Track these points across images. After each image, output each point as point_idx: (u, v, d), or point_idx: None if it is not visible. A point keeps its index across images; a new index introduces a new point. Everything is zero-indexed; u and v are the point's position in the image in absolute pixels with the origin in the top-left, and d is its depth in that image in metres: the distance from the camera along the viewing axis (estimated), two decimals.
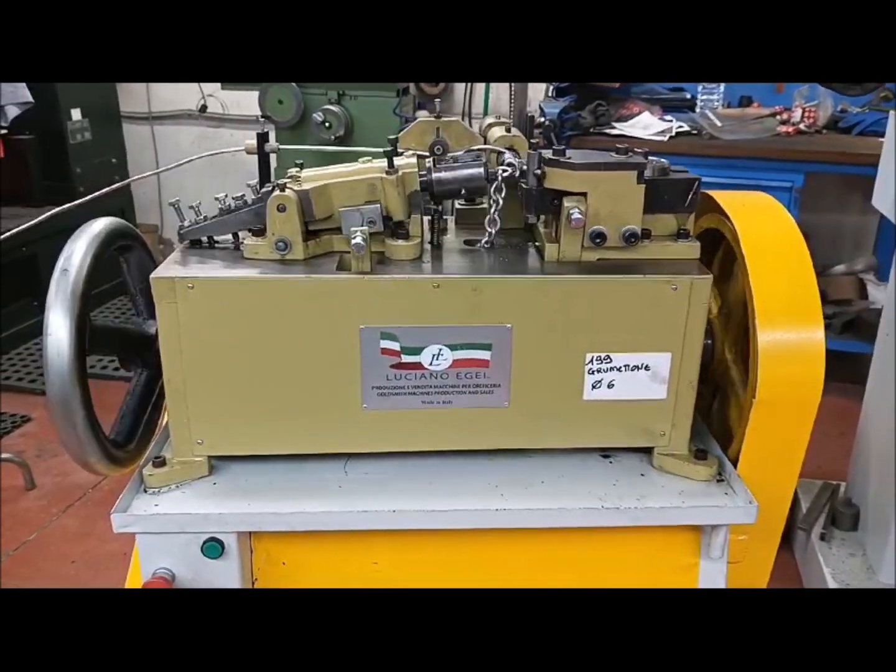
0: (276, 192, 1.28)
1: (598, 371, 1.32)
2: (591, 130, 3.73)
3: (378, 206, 1.30)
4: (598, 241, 1.31)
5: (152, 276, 1.25)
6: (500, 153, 1.42)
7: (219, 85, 4.96)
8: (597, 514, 1.31)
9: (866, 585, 2.33)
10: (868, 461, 2.48)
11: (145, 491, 1.32)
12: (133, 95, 5.26)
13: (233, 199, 1.36)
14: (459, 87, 4.81)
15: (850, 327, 3.78)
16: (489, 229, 1.40)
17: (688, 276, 1.29)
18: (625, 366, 1.33)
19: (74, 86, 4.51)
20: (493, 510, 1.30)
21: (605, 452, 1.45)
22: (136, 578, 1.32)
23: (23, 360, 4.11)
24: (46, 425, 3.50)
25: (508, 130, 1.52)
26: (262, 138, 1.44)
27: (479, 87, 4.78)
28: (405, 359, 1.30)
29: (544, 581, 1.38)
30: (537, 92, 4.33)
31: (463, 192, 1.36)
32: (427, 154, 1.45)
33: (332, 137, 3.96)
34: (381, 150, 1.36)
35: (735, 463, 1.39)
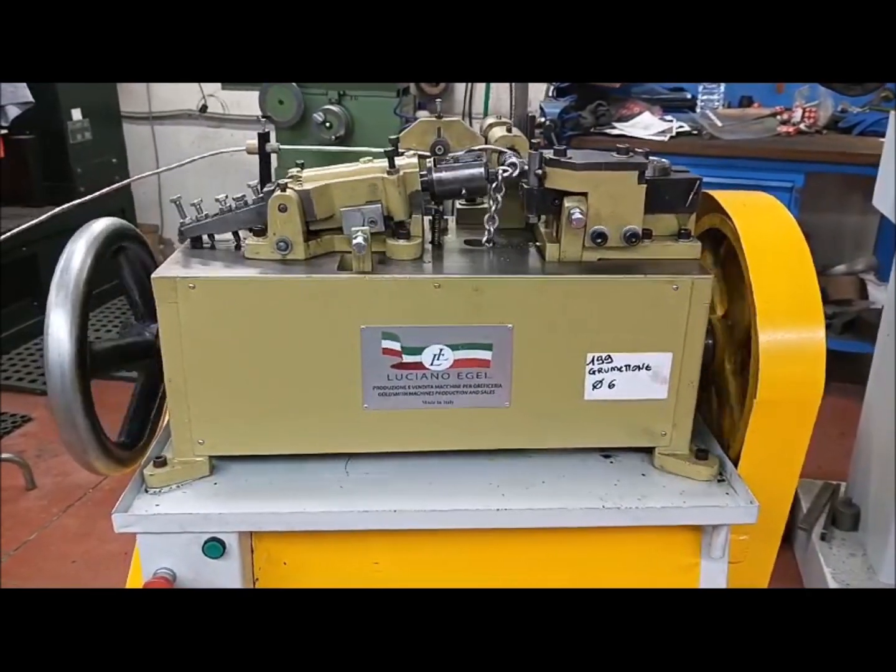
0: (278, 192, 1.28)
1: (599, 371, 1.32)
2: (592, 130, 3.73)
3: (379, 206, 1.30)
4: (598, 241, 1.31)
5: (153, 276, 1.25)
6: (501, 153, 1.42)
7: (219, 85, 4.96)
8: (598, 514, 1.31)
9: (867, 585, 2.33)
10: (868, 461, 2.48)
11: (146, 491, 1.32)
12: (133, 95, 5.26)
13: (233, 199, 1.36)
14: (460, 88, 4.81)
15: (850, 327, 3.78)
16: (488, 227, 1.40)
17: (689, 276, 1.29)
18: (626, 366, 1.33)
19: (75, 86, 4.51)
20: (493, 510, 1.30)
21: (606, 452, 1.45)
22: (136, 578, 1.32)
23: (23, 360, 4.11)
24: (47, 425, 3.50)
25: (509, 130, 1.53)
26: (263, 138, 1.44)
27: (480, 88, 4.78)
28: (406, 359, 1.30)
29: (545, 581, 1.38)
30: (538, 92, 4.33)
31: (463, 192, 1.36)
32: (428, 154, 1.45)
33: (333, 137, 3.96)
34: (382, 150, 1.36)
35: (736, 463, 1.39)
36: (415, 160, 1.36)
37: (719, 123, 3.72)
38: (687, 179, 1.34)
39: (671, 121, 3.80)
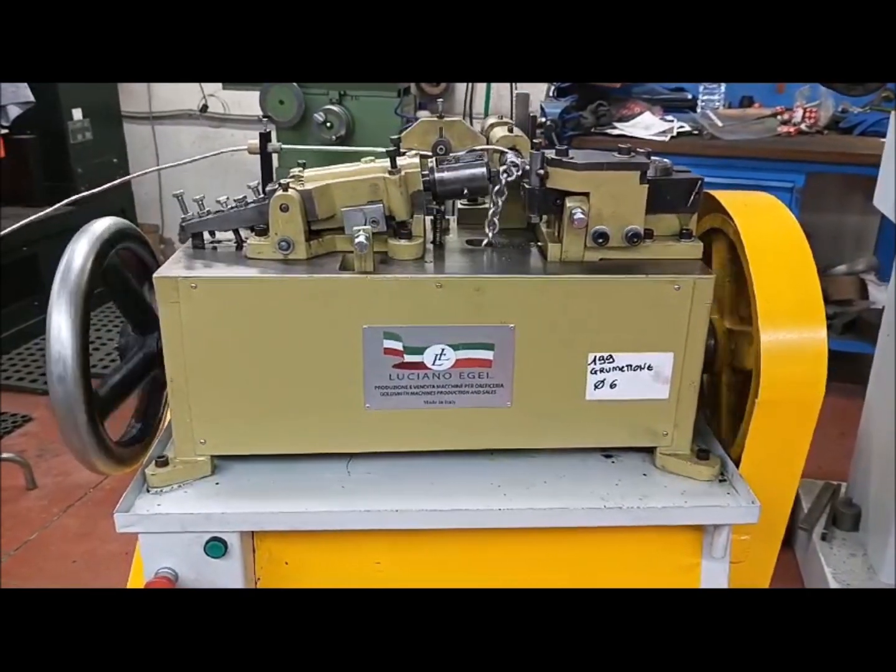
0: (280, 192, 1.28)
1: (601, 371, 1.32)
2: (593, 130, 3.73)
3: (381, 205, 1.30)
4: (600, 241, 1.31)
5: (155, 275, 1.25)
6: (502, 153, 1.42)
7: (220, 85, 4.96)
8: (599, 513, 1.31)
9: (867, 585, 2.33)
10: (869, 461, 2.48)
11: (148, 490, 1.32)
12: (134, 95, 5.26)
13: (234, 201, 1.36)
14: (460, 88, 4.81)
15: (850, 327, 3.78)
16: (489, 231, 1.40)
17: (690, 276, 1.29)
18: (627, 366, 1.33)
19: (75, 86, 4.51)
20: (495, 510, 1.30)
21: (608, 452, 1.45)
22: (138, 578, 1.32)
23: (23, 359, 4.11)
24: (47, 425, 3.50)
25: (511, 130, 1.53)
26: (265, 138, 1.44)
27: (480, 88, 4.78)
28: (408, 358, 1.30)
29: (546, 581, 1.38)
30: (538, 92, 4.33)
31: (465, 192, 1.36)
32: (430, 154, 1.45)
33: (334, 137, 3.96)
34: (383, 149, 1.36)
35: (737, 463, 1.39)
36: (416, 160, 1.36)
37: (720, 123, 3.73)
38: (688, 179, 1.34)
39: (672, 121, 3.79)
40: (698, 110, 4.00)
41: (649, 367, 1.33)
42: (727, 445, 1.47)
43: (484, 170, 1.33)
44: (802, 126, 3.80)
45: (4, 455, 3.14)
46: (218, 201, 1.37)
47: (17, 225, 1.51)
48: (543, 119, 1.65)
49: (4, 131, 4.06)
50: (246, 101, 5.00)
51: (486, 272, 1.32)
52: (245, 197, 1.37)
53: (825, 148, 3.55)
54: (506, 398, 1.34)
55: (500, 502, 1.31)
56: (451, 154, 1.45)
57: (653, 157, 1.34)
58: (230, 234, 1.40)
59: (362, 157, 1.39)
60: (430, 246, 1.41)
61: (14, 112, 4.01)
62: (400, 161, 1.33)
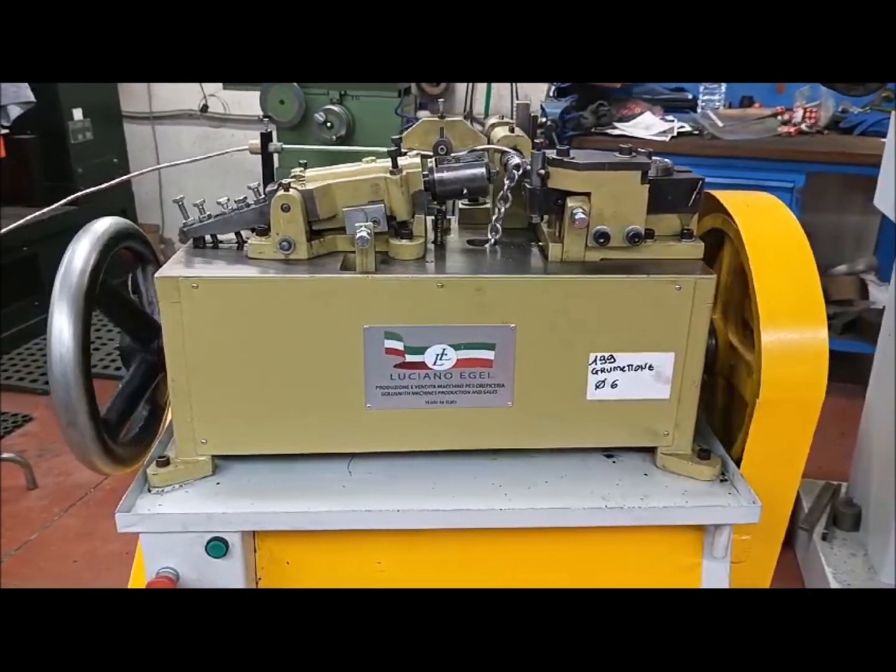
0: (281, 192, 1.28)
1: (602, 371, 1.32)
2: (593, 131, 3.74)
3: (382, 205, 1.30)
4: (601, 241, 1.31)
5: (157, 275, 1.25)
6: (503, 153, 1.42)
7: (220, 85, 4.96)
8: (600, 513, 1.31)
9: (868, 585, 2.33)
10: (870, 461, 2.48)
11: (149, 490, 1.32)
12: (134, 95, 5.26)
13: (235, 202, 1.36)
14: (461, 88, 4.81)
15: (851, 328, 3.79)
16: (491, 236, 1.40)
17: (691, 276, 1.29)
18: (628, 366, 1.33)
19: (76, 86, 4.51)
20: (496, 510, 1.30)
21: (609, 452, 1.45)
22: (139, 578, 1.32)
23: (24, 359, 4.12)
24: (48, 425, 3.50)
25: (512, 130, 1.53)
26: (266, 138, 1.44)
27: (481, 88, 4.78)
28: (409, 358, 1.30)
29: (547, 581, 1.38)
30: (539, 92, 4.33)
31: (465, 192, 1.36)
32: (431, 154, 1.45)
33: (334, 137, 3.96)
34: (385, 149, 1.36)
35: (738, 463, 1.39)
36: (417, 160, 1.36)
37: (720, 123, 3.73)
38: (689, 179, 1.34)
39: (672, 121, 3.80)
40: (699, 110, 4.00)
41: (650, 367, 1.33)
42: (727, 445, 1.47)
43: (483, 170, 1.33)
44: (803, 126, 3.80)
45: (5, 455, 3.14)
46: (219, 203, 1.37)
47: (16, 224, 1.51)
48: (544, 119, 1.65)
49: (5, 131, 4.06)
50: (246, 101, 5.00)
51: (488, 272, 1.32)
52: (245, 198, 1.37)
53: (825, 148, 3.55)
54: (507, 398, 1.34)
55: (501, 502, 1.31)
56: (451, 154, 1.45)
57: (654, 157, 1.34)
58: (232, 234, 1.40)
59: (363, 157, 1.39)
60: (431, 246, 1.41)
61: (15, 112, 4.01)
62: (401, 161, 1.33)
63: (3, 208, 4.01)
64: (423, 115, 2.18)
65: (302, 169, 1.38)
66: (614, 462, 1.43)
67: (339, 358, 1.30)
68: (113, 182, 1.62)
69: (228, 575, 1.30)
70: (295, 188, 1.29)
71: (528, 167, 1.34)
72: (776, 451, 1.38)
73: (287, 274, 1.28)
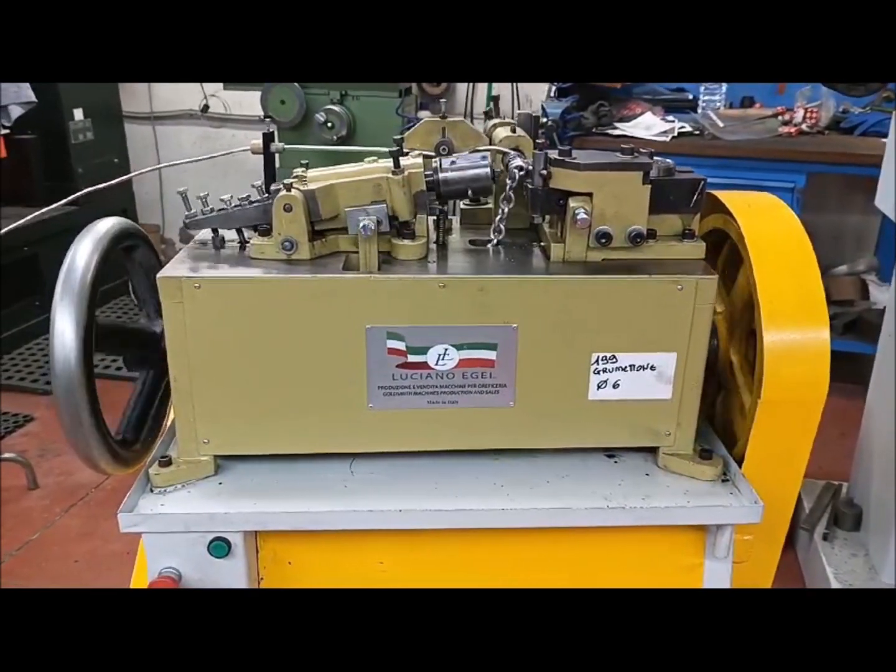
0: (283, 192, 1.28)
1: (604, 371, 1.33)
2: (594, 131, 3.74)
3: (384, 205, 1.30)
4: (603, 241, 1.31)
5: (159, 275, 1.25)
6: (505, 154, 1.42)
7: (220, 85, 4.96)
8: (602, 513, 1.31)
9: (869, 585, 2.33)
10: (871, 461, 2.48)
11: (151, 490, 1.33)
12: (135, 95, 5.26)
13: (238, 199, 1.36)
14: (461, 88, 4.82)
15: (851, 328, 3.79)
16: (494, 237, 1.40)
17: (693, 276, 1.29)
18: (630, 366, 1.33)
19: (76, 86, 4.51)
20: (498, 510, 1.30)
21: (610, 452, 1.45)
22: (141, 578, 1.32)
23: (24, 359, 4.12)
24: (49, 425, 3.51)
25: (514, 131, 1.53)
26: (268, 138, 1.45)
27: (482, 88, 4.78)
28: (411, 358, 1.30)
29: (549, 581, 1.38)
30: (539, 92, 4.33)
31: (469, 192, 1.36)
32: (433, 154, 1.45)
33: (335, 138, 3.96)
34: (386, 150, 1.36)
35: (740, 463, 1.39)
36: (419, 160, 1.36)
37: (721, 124, 3.73)
38: (691, 180, 1.34)
39: (673, 121, 3.80)
40: (699, 111, 4.00)
41: (652, 368, 1.33)
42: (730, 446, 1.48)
43: (487, 170, 1.34)
44: (803, 126, 3.80)
45: (6, 455, 3.14)
46: (222, 199, 1.37)
47: (16, 224, 1.51)
48: (545, 119, 1.65)
49: (6, 131, 4.06)
50: (247, 101, 5.01)
51: (490, 272, 1.33)
52: (249, 196, 1.37)
53: (826, 148, 3.55)
54: (509, 398, 1.34)
55: (503, 502, 1.31)
56: (454, 154, 1.45)
57: (655, 158, 1.34)
58: (233, 234, 1.40)
59: (365, 158, 1.39)
60: (433, 246, 1.41)
61: (16, 112, 4.01)
62: (403, 161, 1.33)
63: (4, 208, 4.01)
64: (424, 115, 2.18)
65: (304, 169, 1.38)
66: (616, 462, 1.43)
67: (341, 358, 1.30)
68: (113, 182, 1.62)
69: (231, 575, 1.30)
70: (297, 188, 1.29)
71: (530, 167, 1.34)
72: (778, 450, 1.38)
73: (289, 274, 1.28)
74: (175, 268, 1.29)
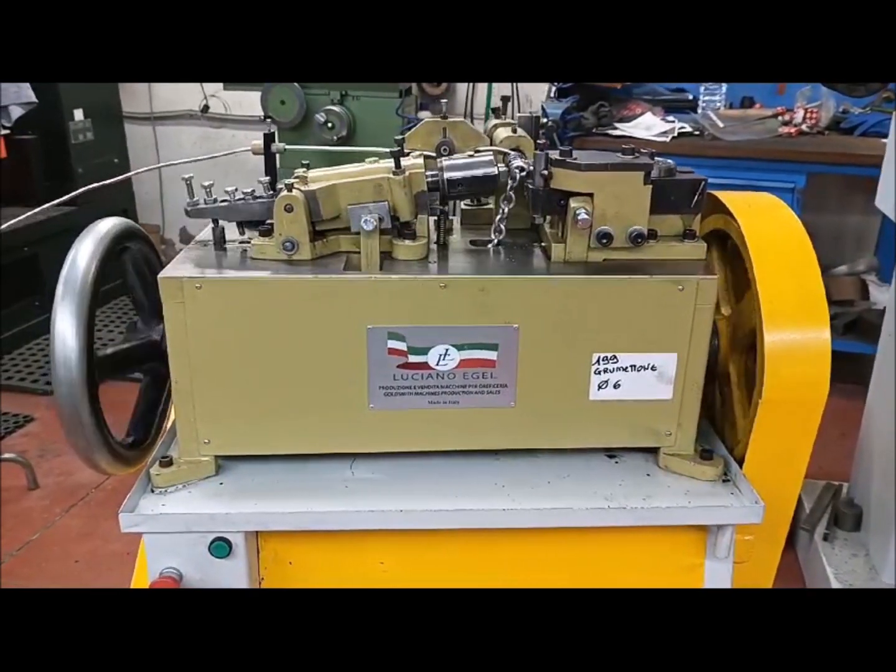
0: (284, 192, 1.28)
1: (605, 371, 1.33)
2: (594, 131, 3.74)
3: (386, 203, 1.30)
4: (604, 241, 1.31)
5: (160, 275, 1.25)
6: (505, 154, 1.42)
7: (221, 85, 4.96)
8: (603, 513, 1.31)
9: (869, 586, 2.33)
10: (871, 462, 2.48)
11: (152, 491, 1.33)
12: (135, 96, 5.26)
13: (243, 193, 1.36)
14: (462, 88, 4.81)
15: (851, 328, 3.79)
16: (495, 237, 1.40)
17: (694, 277, 1.29)
18: (631, 366, 1.33)
19: (76, 86, 4.51)
20: (499, 510, 1.30)
21: (611, 452, 1.45)
22: (142, 578, 1.32)
23: (25, 360, 4.11)
24: (49, 425, 3.50)
25: (514, 131, 1.53)
26: (269, 139, 1.45)
27: (482, 88, 4.78)
28: (412, 359, 1.31)
29: (550, 581, 1.38)
30: (539, 93, 4.33)
31: (476, 192, 1.36)
32: (433, 154, 1.45)
33: (335, 138, 3.96)
34: (387, 150, 1.36)
35: (741, 463, 1.39)
36: (420, 161, 1.36)
37: (721, 124, 3.73)
38: (692, 180, 1.34)
39: (673, 121, 3.79)
40: (699, 111, 4.00)
41: (653, 368, 1.33)
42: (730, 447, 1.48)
43: (495, 169, 1.34)
44: (803, 127, 3.80)
45: (6, 455, 3.14)
46: (226, 191, 1.37)
47: (15, 220, 1.51)
48: (545, 120, 1.65)
49: (6, 132, 4.06)
50: (247, 101, 5.01)
51: (491, 273, 1.33)
52: (254, 190, 1.37)
53: (826, 149, 3.55)
54: (510, 398, 1.34)
55: (504, 502, 1.32)
56: (455, 154, 1.45)
57: (656, 158, 1.34)
58: (234, 234, 1.40)
59: (366, 158, 1.40)
60: (433, 246, 1.41)
61: (16, 112, 4.01)
62: (404, 161, 1.33)
63: (4, 209, 4.00)
64: (424, 115, 2.18)
65: (305, 169, 1.38)
66: (616, 462, 1.43)
67: (342, 358, 1.30)
68: (113, 180, 1.62)
69: (231, 575, 1.30)
70: (298, 189, 1.29)
71: (531, 168, 1.34)
72: (779, 451, 1.38)
73: (290, 274, 1.28)
74: (176, 268, 1.29)
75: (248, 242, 1.36)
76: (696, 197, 1.34)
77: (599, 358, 1.32)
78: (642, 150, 1.34)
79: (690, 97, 4.11)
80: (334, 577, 1.37)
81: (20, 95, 3.99)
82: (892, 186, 2.31)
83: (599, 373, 1.33)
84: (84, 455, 1.27)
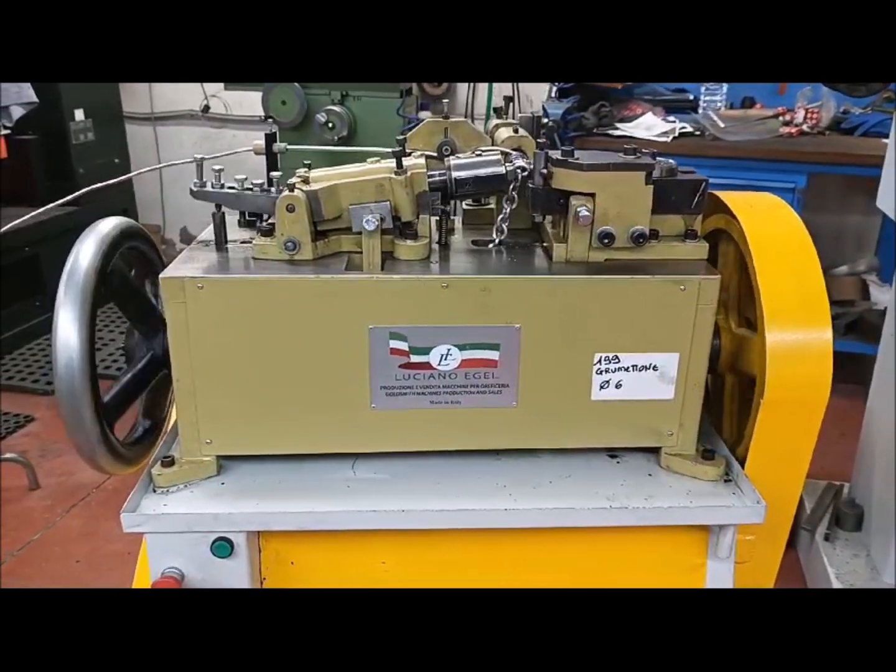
0: (286, 192, 1.28)
1: (606, 371, 1.33)
2: (595, 131, 3.74)
3: (387, 203, 1.30)
4: (606, 241, 1.31)
5: (162, 275, 1.25)
6: (507, 154, 1.42)
7: (221, 85, 4.97)
8: (605, 513, 1.31)
9: (870, 586, 2.33)
10: (872, 462, 2.48)
11: (154, 490, 1.33)
12: (136, 96, 5.26)
13: (252, 183, 1.36)
14: (462, 88, 4.82)
15: (852, 328, 3.79)
16: (496, 237, 1.40)
17: (696, 277, 1.29)
18: (633, 366, 1.33)
19: (77, 86, 4.51)
20: (501, 510, 1.30)
21: (613, 452, 1.45)
22: (143, 578, 1.32)
23: (25, 360, 4.11)
24: (49, 425, 3.51)
25: (516, 131, 1.53)
26: (271, 139, 1.45)
27: (482, 88, 4.78)
28: (414, 359, 1.31)
29: (552, 581, 1.38)
30: (540, 93, 4.33)
31: (483, 192, 1.36)
32: (435, 154, 1.45)
33: (335, 138, 3.96)
34: (389, 150, 1.36)
35: (742, 463, 1.39)
36: (422, 160, 1.36)
37: (721, 124, 3.73)
38: (693, 180, 1.34)
39: (673, 122, 3.79)
40: (700, 111, 4.00)
41: (654, 368, 1.33)
42: (732, 446, 1.47)
43: (502, 168, 1.34)
44: (804, 127, 3.80)
45: (7, 455, 3.14)
46: (236, 178, 1.37)
47: (16, 221, 1.51)
48: (546, 120, 1.65)
49: (7, 132, 4.06)
50: (248, 101, 5.01)
51: (492, 272, 1.33)
52: (263, 183, 1.37)
53: (827, 149, 3.55)
54: (511, 398, 1.34)
55: (505, 502, 1.32)
56: (461, 154, 1.45)
57: (658, 158, 1.34)
58: (236, 235, 1.40)
59: (367, 158, 1.40)
60: (435, 246, 1.41)
61: (17, 113, 4.00)
62: (406, 161, 1.33)
63: (5, 209, 4.01)
64: (425, 115, 2.18)
65: (306, 170, 1.38)
66: (618, 462, 1.43)
67: (344, 358, 1.30)
68: (113, 181, 1.62)
69: (233, 575, 1.30)
70: (300, 189, 1.29)
71: (532, 168, 1.34)
72: (780, 451, 1.38)
73: (292, 274, 1.28)
74: (178, 268, 1.29)
75: (250, 242, 1.36)
76: (698, 197, 1.34)
77: (601, 358, 1.32)
78: (644, 151, 1.34)
79: (691, 97, 4.11)
80: (336, 577, 1.37)
81: (21, 95, 3.99)
82: (892, 186, 2.31)
83: (601, 373, 1.33)
84: (86, 454, 1.27)
